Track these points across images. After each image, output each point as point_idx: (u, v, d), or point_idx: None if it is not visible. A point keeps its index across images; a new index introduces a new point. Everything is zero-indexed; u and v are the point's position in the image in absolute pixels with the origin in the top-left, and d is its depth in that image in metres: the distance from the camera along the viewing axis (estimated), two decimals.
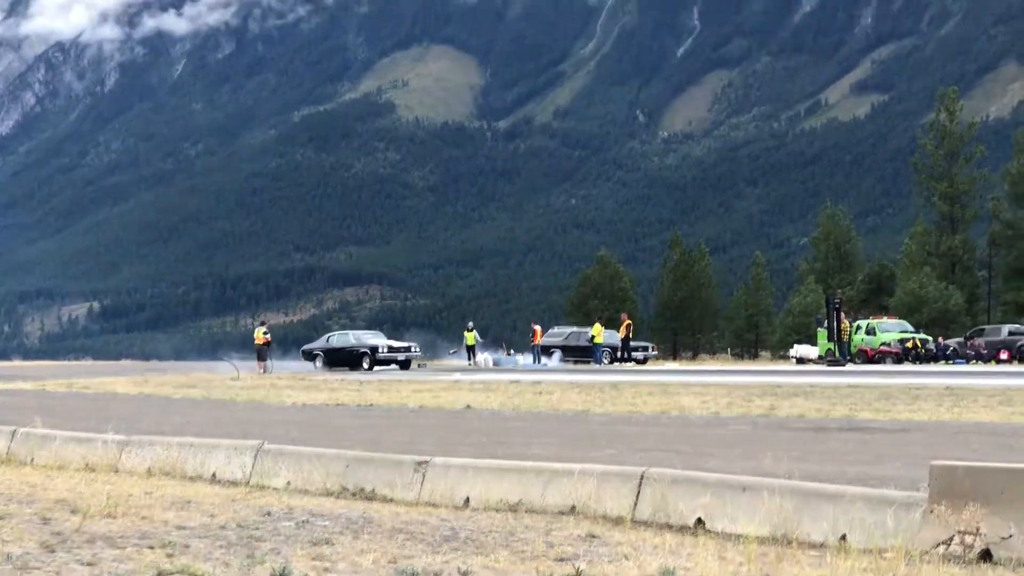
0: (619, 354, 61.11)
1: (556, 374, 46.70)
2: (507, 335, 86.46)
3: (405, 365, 55.70)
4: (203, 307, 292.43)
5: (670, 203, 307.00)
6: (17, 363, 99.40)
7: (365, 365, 55.15)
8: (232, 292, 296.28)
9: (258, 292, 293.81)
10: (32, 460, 19.31)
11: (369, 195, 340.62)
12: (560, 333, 67.87)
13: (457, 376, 44.84)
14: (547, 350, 64.49)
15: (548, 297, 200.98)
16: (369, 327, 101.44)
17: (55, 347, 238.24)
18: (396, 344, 57.81)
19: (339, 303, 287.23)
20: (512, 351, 71.71)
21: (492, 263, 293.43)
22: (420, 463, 14.19)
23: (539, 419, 24.07)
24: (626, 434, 19.88)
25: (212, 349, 79.58)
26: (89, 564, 9.04)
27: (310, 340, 63.80)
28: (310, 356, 58.32)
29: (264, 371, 53.34)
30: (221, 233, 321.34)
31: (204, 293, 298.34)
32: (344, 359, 56.15)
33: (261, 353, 55.82)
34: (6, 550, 9.66)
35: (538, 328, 66.52)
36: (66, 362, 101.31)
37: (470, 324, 66.76)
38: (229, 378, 45.81)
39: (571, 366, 59.38)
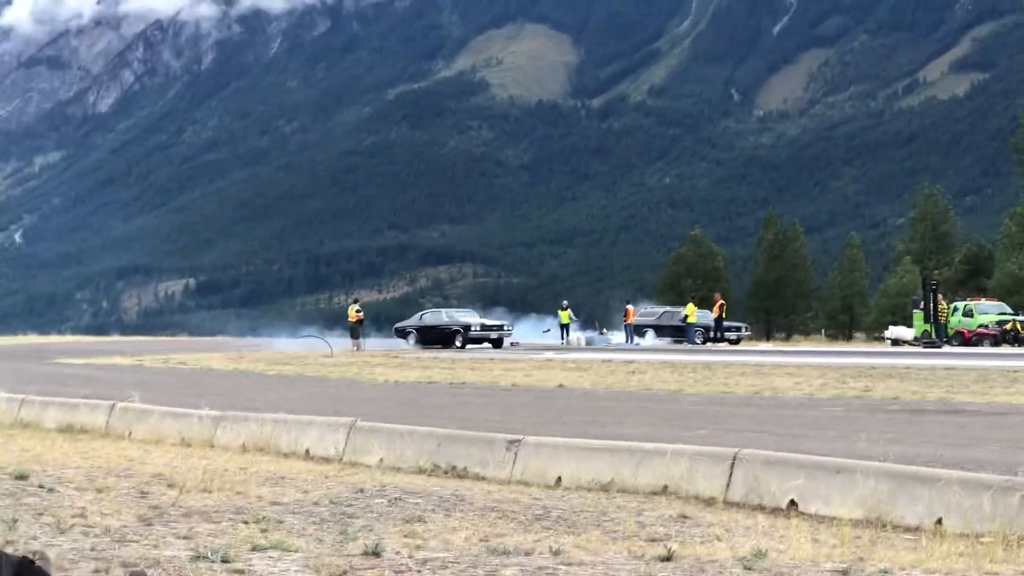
0: (712, 334, 60.74)
1: (649, 354, 46.36)
2: (600, 314, 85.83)
3: (498, 344, 55.59)
4: (296, 284, 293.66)
5: (765, 182, 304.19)
6: (115, 338, 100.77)
7: (457, 343, 55.11)
8: (326, 269, 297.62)
9: (351, 269, 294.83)
10: (130, 434, 19.57)
11: (463, 173, 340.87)
12: (653, 312, 67.63)
13: (550, 355, 44.66)
14: (640, 329, 64.34)
15: (641, 276, 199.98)
16: (462, 305, 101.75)
17: (152, 322, 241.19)
18: (489, 322, 57.88)
19: (432, 281, 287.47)
20: (605, 330, 71.45)
21: (585, 242, 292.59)
22: (512, 442, 14.21)
23: (631, 399, 24.04)
24: (719, 415, 19.81)
25: (305, 326, 79.96)
26: (185, 538, 9.14)
27: (403, 318, 63.86)
28: (402, 334, 58.31)
29: (357, 348, 53.70)
30: (315, 210, 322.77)
31: (298, 270, 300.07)
32: (436, 337, 56.11)
33: (354, 331, 56.27)
34: (105, 523, 9.79)
35: (631, 307, 66.27)
36: (163, 338, 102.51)
37: (564, 303, 66.56)
38: (322, 355, 46.13)
39: (664, 345, 59.08)
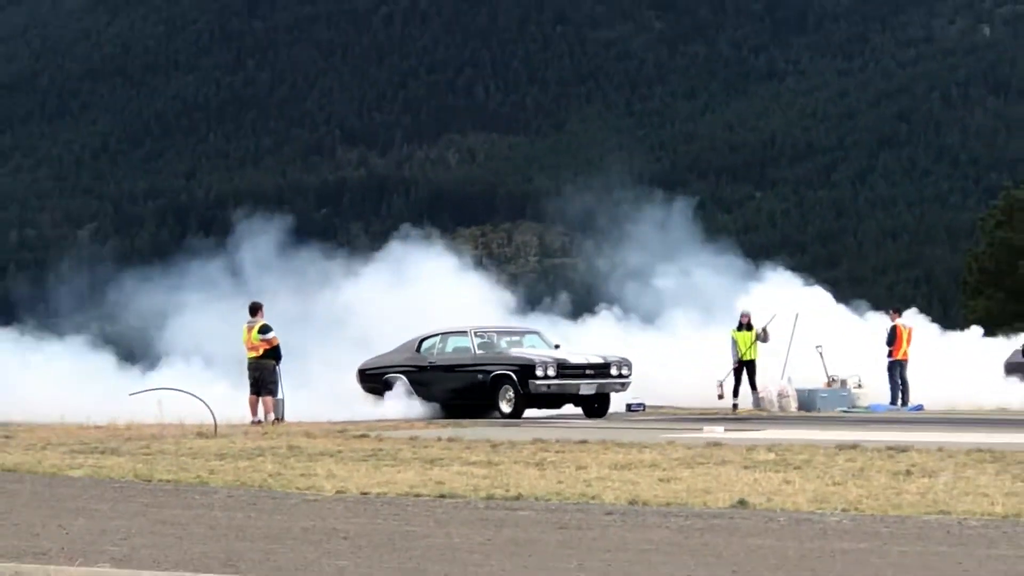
0: None
1: (944, 429, 23.72)
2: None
3: (598, 406, 30.08)
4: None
5: None
6: None
7: (505, 406, 29.45)
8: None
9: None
10: None
11: None
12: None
13: (716, 431, 23.87)
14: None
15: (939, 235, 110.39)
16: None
17: None
18: (576, 360, 29.99)
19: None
20: (836, 378, 34.29)
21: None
22: None
23: (910, 537, 11.05)
24: None
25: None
26: None
27: (374, 346, 33.28)
28: (377, 381, 31.69)
29: (273, 417, 27.06)
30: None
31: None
32: (459, 389, 30.62)
33: (261, 374, 27.17)
34: None
35: (903, 323, 33.24)
36: None
37: (745, 313, 33.47)
38: (195, 431, 23.76)
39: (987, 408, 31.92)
